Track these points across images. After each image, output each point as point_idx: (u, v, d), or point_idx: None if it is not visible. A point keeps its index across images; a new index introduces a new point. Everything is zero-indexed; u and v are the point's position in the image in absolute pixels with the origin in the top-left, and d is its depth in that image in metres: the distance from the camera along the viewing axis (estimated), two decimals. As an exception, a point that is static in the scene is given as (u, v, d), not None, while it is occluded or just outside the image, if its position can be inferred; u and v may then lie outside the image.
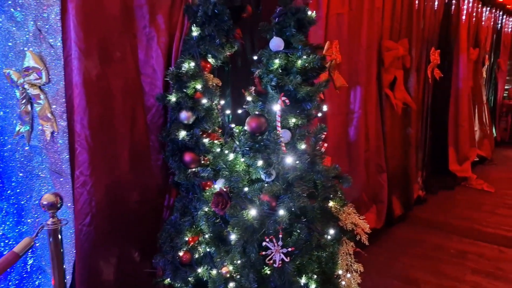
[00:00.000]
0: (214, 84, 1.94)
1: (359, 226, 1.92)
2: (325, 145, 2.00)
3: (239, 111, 2.03)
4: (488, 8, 6.22)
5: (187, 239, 1.95)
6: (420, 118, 4.49)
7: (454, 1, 4.82)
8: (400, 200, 4.00)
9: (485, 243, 3.45)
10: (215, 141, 1.98)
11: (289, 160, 1.74)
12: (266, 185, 1.77)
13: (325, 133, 1.95)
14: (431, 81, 4.57)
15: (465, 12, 5.17)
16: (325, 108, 1.93)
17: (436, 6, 4.41)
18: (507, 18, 7.40)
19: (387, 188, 3.61)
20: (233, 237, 1.75)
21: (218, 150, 1.95)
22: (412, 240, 3.51)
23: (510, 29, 7.70)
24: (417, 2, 3.90)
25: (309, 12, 1.82)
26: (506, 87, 8.50)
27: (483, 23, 6.08)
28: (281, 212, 1.69)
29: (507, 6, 7.17)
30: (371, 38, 3.31)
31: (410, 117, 4.01)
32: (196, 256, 1.94)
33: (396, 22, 3.70)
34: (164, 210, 2.12)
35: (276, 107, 1.77)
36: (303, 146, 1.79)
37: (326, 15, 2.81)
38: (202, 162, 1.95)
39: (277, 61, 1.79)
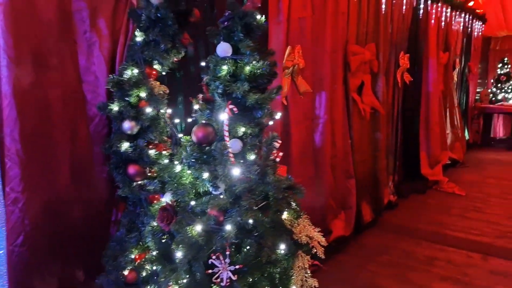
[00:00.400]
0: (161, 92, 1.83)
1: (314, 239, 1.83)
2: (280, 154, 1.92)
3: (190, 120, 1.93)
4: (458, 13, 6.29)
5: (133, 256, 1.83)
6: (390, 122, 4.47)
7: (422, 6, 4.83)
8: (370, 205, 3.96)
9: (453, 248, 3.43)
10: (163, 152, 1.87)
11: (237, 171, 1.64)
12: (213, 198, 1.67)
13: (278, 142, 1.87)
14: (400, 85, 4.56)
15: (433, 16, 5.19)
16: (278, 115, 1.84)
17: (404, 10, 4.40)
18: (477, 22, 7.51)
19: (356, 194, 3.56)
20: (178, 254, 1.64)
21: (166, 161, 1.85)
22: (381, 247, 3.46)
23: (480, 33, 7.83)
24: (383, 6, 3.87)
25: (258, 17, 1.74)
26: (478, 90, 8.64)
27: (452, 27, 6.14)
28: (228, 227, 1.60)
29: (476, 10, 7.28)
30: (336, 42, 3.26)
31: (379, 122, 3.98)
32: (144, 274, 1.82)
33: (363, 26, 3.66)
34: (112, 225, 2.00)
35: (223, 116, 1.68)
36: (252, 157, 1.70)
37: (287, 19, 2.74)
38: (149, 174, 1.84)
39: (224, 67, 1.70)
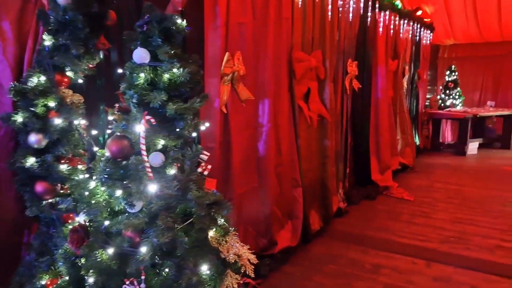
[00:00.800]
0: (74, 101, 1.68)
1: (243, 257, 1.73)
2: (209, 167, 1.81)
3: (109, 132, 1.78)
4: (406, 21, 6.46)
5: (44, 282, 1.65)
6: (339, 129, 4.47)
7: (370, 14, 4.90)
8: (319, 213, 3.92)
9: (399, 255, 3.43)
10: (79, 167, 1.71)
11: (153, 188, 1.51)
12: (129, 218, 1.53)
13: (205, 154, 1.76)
14: (349, 92, 4.58)
15: (382, 24, 5.28)
16: (204, 126, 1.73)
17: (351, 18, 4.43)
18: (425, 31, 7.76)
19: (303, 203, 3.50)
20: (90, 280, 1.49)
21: (82, 177, 1.69)
22: (329, 256, 3.42)
23: (428, 42, 8.09)
24: (329, 13, 3.87)
25: (178, 21, 1.62)
26: (428, 96, 8.92)
27: (401, 35, 6.29)
28: (144, 249, 1.47)
29: (424, 19, 7.52)
30: (280, 49, 3.20)
31: (327, 129, 3.96)
32: (56, 302, 1.65)
33: (308, 33, 3.64)
34: (23, 248, 1.81)
35: (140, 128, 1.55)
36: (172, 171, 1.58)
37: (225, 24, 2.64)
38: (62, 191, 1.68)
39: (142, 75, 1.58)
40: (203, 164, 1.81)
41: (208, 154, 1.80)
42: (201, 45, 2.48)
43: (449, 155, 7.69)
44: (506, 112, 8.14)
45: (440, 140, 8.21)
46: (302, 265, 3.26)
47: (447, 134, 8.34)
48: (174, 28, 1.59)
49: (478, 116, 7.61)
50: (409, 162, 6.40)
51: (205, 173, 1.79)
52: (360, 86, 4.79)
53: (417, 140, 7.70)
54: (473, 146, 7.70)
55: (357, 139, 5.02)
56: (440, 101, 8.91)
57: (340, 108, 4.46)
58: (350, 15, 4.42)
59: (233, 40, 2.71)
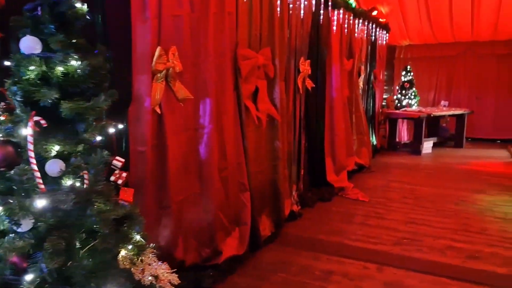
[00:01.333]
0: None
1: (161, 278, 1.50)
2: (124, 175, 1.57)
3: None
4: (361, 21, 6.42)
5: None
6: (291, 130, 4.32)
7: (322, 11, 4.79)
8: (270, 218, 3.75)
9: (351, 259, 3.31)
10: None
11: (42, 202, 1.27)
12: (16, 239, 1.28)
13: (119, 160, 1.52)
14: (302, 92, 4.44)
15: (335, 22, 5.19)
16: (114, 128, 1.50)
17: (302, 15, 4.29)
18: (381, 31, 7.79)
19: (252, 208, 3.31)
20: (-37, 318, 1.22)
21: (-36, 190, 1.41)
22: (279, 263, 3.24)
23: (384, 42, 8.14)
24: (278, 9, 3.70)
25: (78, 5, 1.38)
26: (384, 96, 8.99)
27: (356, 35, 6.25)
28: (29, 277, 1.21)
29: (380, 20, 7.54)
30: (223, 45, 2.99)
31: (278, 130, 3.79)
32: None
33: (255, 29, 3.45)
34: None
35: (27, 131, 1.29)
36: (69, 182, 1.33)
37: (158, 17, 2.41)
38: None
39: (32, 68, 1.32)
40: (116, 172, 1.57)
41: (122, 160, 1.56)
42: (127, 38, 2.23)
43: (405, 154, 7.76)
44: (458, 111, 8.32)
45: (397, 140, 8.29)
46: (250, 275, 3.06)
47: (403, 133, 8.43)
48: (70, 13, 1.35)
49: (432, 115, 7.72)
50: (365, 162, 6.36)
51: (119, 182, 1.56)
52: (314, 86, 4.67)
53: (374, 140, 7.71)
54: (428, 145, 7.81)
55: (311, 139, 4.90)
56: (396, 101, 9.01)
57: (293, 108, 4.31)
58: (302, 12, 4.28)
59: (167, 34, 2.48)
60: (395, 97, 9.14)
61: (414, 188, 5.38)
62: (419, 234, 3.79)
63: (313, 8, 4.56)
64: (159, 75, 2.42)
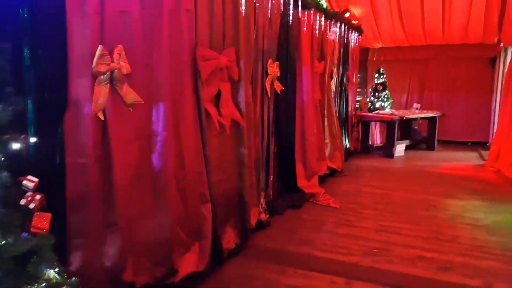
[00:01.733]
0: None
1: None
2: (37, 197, 1.31)
3: None
4: (333, 22, 6.28)
5: None
6: (260, 135, 4.11)
7: (291, 12, 4.60)
8: (236, 229, 3.53)
9: (318, 273, 3.12)
10: None
11: None
12: None
13: (31, 180, 1.27)
14: (270, 95, 4.24)
15: (306, 23, 5.01)
16: (18, 144, 1.24)
17: (270, 15, 4.08)
18: (353, 33, 7.68)
19: (214, 220, 3.08)
20: None
21: None
22: (243, 278, 3.03)
23: (357, 44, 8.04)
24: (243, 9, 3.48)
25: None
26: (357, 98, 8.91)
27: (328, 36, 6.10)
28: None
29: (352, 22, 7.43)
30: (180, 45, 2.75)
31: (243, 135, 3.56)
32: None
33: (218, 28, 3.22)
34: None
35: None
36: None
37: (100, 12, 2.14)
38: None
39: None
40: (28, 194, 1.32)
41: (35, 180, 1.31)
42: (62, 34, 1.96)
43: (378, 157, 7.68)
44: (430, 114, 8.31)
45: (370, 143, 8.21)
46: (211, 292, 2.84)
47: (376, 136, 8.37)
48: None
49: (404, 118, 7.66)
50: (338, 166, 6.22)
51: (31, 206, 1.30)
52: (283, 88, 4.47)
53: (347, 143, 7.60)
54: (400, 148, 7.76)
55: (281, 144, 4.71)
56: (369, 103, 8.93)
57: (260, 112, 4.10)
58: (269, 11, 4.07)
59: (112, 32, 2.21)
60: (368, 99, 9.07)
61: (385, 193, 5.26)
62: (390, 243, 3.64)
63: (282, 8, 4.37)
64: (102, 77, 2.15)
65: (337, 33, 6.59)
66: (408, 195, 5.18)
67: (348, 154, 7.54)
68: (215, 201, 3.17)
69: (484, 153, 7.73)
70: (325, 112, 6.18)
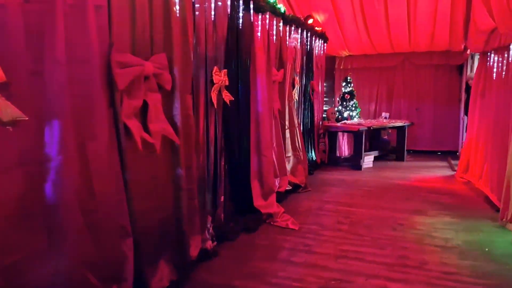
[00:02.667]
0: None
1: None
2: None
3: None
4: (293, 28, 5.90)
5: None
6: (204, 151, 3.63)
7: (241, 15, 4.16)
8: (172, 263, 3.01)
9: (265, 315, 2.64)
10: None
11: None
12: None
13: None
14: (216, 106, 3.77)
15: (260, 28, 4.59)
16: None
17: (213, 17, 3.63)
18: (318, 40, 7.35)
19: (136, 258, 2.56)
20: None
21: None
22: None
23: (322, 52, 7.71)
24: (177, 8, 3.01)
25: None
26: (325, 108, 8.58)
27: (290, 43, 5.72)
28: None
29: (316, 28, 7.09)
30: (86, 48, 2.25)
31: (179, 154, 3.07)
32: None
33: (143, 30, 2.73)
34: None
35: None
36: None
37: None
38: None
39: None
40: None
41: None
42: None
43: (345, 170, 7.31)
44: (398, 123, 8.03)
45: (338, 154, 7.84)
46: None
47: (344, 147, 8.02)
48: None
49: (371, 128, 7.33)
50: (301, 180, 5.79)
51: None
52: (233, 99, 4.01)
53: (313, 155, 7.22)
54: (368, 160, 7.42)
55: (233, 161, 4.23)
56: (337, 113, 8.62)
57: (205, 126, 3.63)
58: (213, 13, 3.62)
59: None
60: (336, 109, 8.76)
61: (350, 210, 4.85)
62: (351, 273, 3.20)
63: (229, 10, 3.92)
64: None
65: (299, 40, 6.22)
66: (375, 212, 4.78)
67: (315, 166, 7.15)
68: (141, 234, 2.67)
69: (454, 162, 7.50)
70: (287, 123, 5.78)
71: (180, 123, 3.07)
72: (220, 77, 3.80)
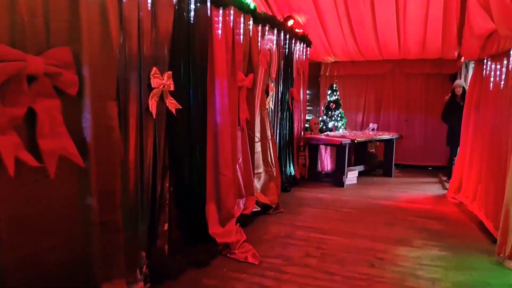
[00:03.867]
0: None
1: None
2: None
3: None
4: (267, 29, 5.24)
5: None
6: (137, 171, 2.92)
7: (193, 7, 3.49)
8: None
9: None
10: None
11: None
12: None
13: None
14: (156, 116, 3.07)
15: (222, 25, 3.91)
16: None
17: (150, 6, 2.94)
18: (300, 44, 6.69)
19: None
20: None
21: None
22: None
23: (305, 57, 7.05)
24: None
25: None
26: (308, 117, 7.93)
27: (259, 44, 5.05)
28: None
29: (296, 30, 6.44)
30: None
31: (90, 178, 2.37)
32: None
33: (32, 15, 2.05)
34: None
35: None
36: None
37: None
38: None
39: None
40: None
41: None
42: None
43: (326, 186, 6.61)
44: (385, 136, 7.37)
45: (319, 169, 7.14)
46: None
47: (327, 161, 7.33)
48: None
49: (356, 141, 6.65)
50: (272, 200, 5.10)
51: None
52: (180, 107, 3.32)
53: (292, 170, 6.53)
54: (352, 175, 6.73)
55: (182, 181, 3.53)
56: (321, 123, 7.95)
57: (139, 140, 2.92)
58: (149, 4, 2.93)
59: None
60: (320, 118, 8.09)
61: (323, 238, 4.15)
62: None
63: (175, 1, 3.24)
64: None
65: (275, 42, 5.55)
66: (352, 241, 4.09)
67: (293, 182, 6.46)
68: (25, 284, 1.95)
69: (445, 179, 6.85)
70: (257, 135, 5.10)
71: (91, 138, 2.37)
72: (162, 80, 3.11)
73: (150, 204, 3.11)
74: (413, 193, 6.29)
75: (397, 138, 7.58)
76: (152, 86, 3.02)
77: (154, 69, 3.03)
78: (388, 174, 7.45)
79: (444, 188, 6.56)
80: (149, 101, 3.01)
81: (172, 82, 3.22)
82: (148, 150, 3.06)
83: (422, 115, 8.46)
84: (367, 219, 4.87)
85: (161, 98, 3.15)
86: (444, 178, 7.05)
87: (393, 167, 7.50)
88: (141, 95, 2.92)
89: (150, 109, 3.02)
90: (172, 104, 3.26)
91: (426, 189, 6.56)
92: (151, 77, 3.01)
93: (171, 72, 3.21)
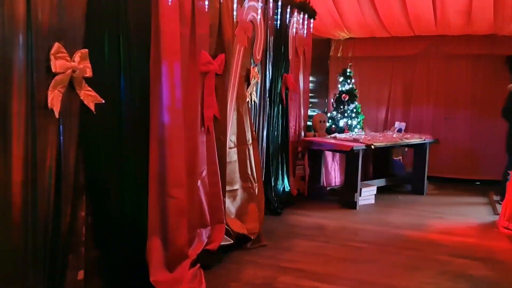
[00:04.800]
0: None
1: None
2: None
3: None
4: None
5: None
6: (29, 197, 2.56)
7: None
8: None
9: None
10: None
11: None
12: None
13: None
14: (58, 114, 2.70)
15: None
16: None
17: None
18: (297, 14, 6.39)
19: None
20: None
21: None
22: None
23: (305, 32, 6.73)
24: None
25: None
26: (310, 113, 7.69)
27: (235, 14, 4.73)
28: None
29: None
30: None
31: None
32: None
33: None
34: None
35: None
36: None
37: None
38: None
39: None
40: None
41: None
42: None
43: (332, 207, 6.37)
44: (415, 140, 7.08)
45: (323, 183, 6.84)
46: None
47: (334, 173, 7.05)
48: None
49: (373, 147, 6.31)
50: (251, 229, 4.73)
51: None
52: (103, 101, 2.97)
53: (286, 184, 6.25)
54: (368, 193, 6.50)
55: (106, 207, 3.20)
56: (329, 121, 7.70)
57: (27, 151, 2.56)
58: None
59: None
60: (328, 115, 7.88)
61: (317, 289, 3.77)
62: None
63: None
64: None
65: (259, 11, 5.23)
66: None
67: (286, 202, 6.22)
68: None
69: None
70: (232, 139, 4.82)
71: None
72: (72, 63, 2.75)
73: (51, 244, 2.74)
74: (451, 219, 6.04)
75: (431, 143, 7.41)
76: (53, 70, 2.66)
77: (57, 45, 2.67)
78: (418, 191, 7.33)
79: (496, 212, 6.29)
80: (49, 92, 2.65)
81: (89, 65, 2.86)
82: (48, 165, 2.70)
83: (467, 111, 8.44)
84: (383, 258, 4.49)
85: (71, 89, 2.79)
86: (497, 198, 6.83)
87: (426, 181, 7.36)
88: (33, 83, 2.55)
89: (50, 105, 2.65)
90: (89, 97, 2.91)
91: (470, 214, 6.31)
92: (52, 57, 2.65)
93: (87, 50, 2.85)
